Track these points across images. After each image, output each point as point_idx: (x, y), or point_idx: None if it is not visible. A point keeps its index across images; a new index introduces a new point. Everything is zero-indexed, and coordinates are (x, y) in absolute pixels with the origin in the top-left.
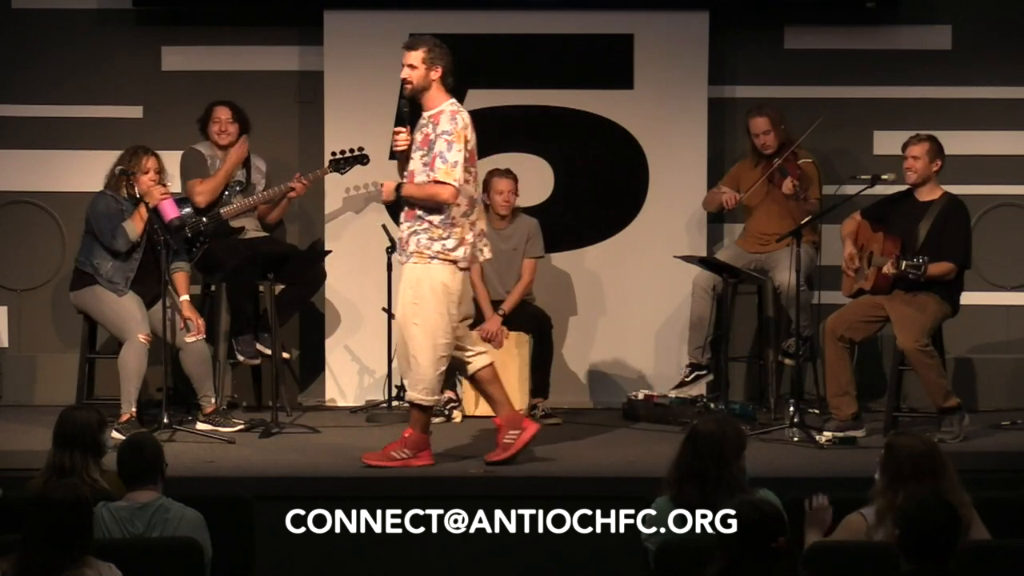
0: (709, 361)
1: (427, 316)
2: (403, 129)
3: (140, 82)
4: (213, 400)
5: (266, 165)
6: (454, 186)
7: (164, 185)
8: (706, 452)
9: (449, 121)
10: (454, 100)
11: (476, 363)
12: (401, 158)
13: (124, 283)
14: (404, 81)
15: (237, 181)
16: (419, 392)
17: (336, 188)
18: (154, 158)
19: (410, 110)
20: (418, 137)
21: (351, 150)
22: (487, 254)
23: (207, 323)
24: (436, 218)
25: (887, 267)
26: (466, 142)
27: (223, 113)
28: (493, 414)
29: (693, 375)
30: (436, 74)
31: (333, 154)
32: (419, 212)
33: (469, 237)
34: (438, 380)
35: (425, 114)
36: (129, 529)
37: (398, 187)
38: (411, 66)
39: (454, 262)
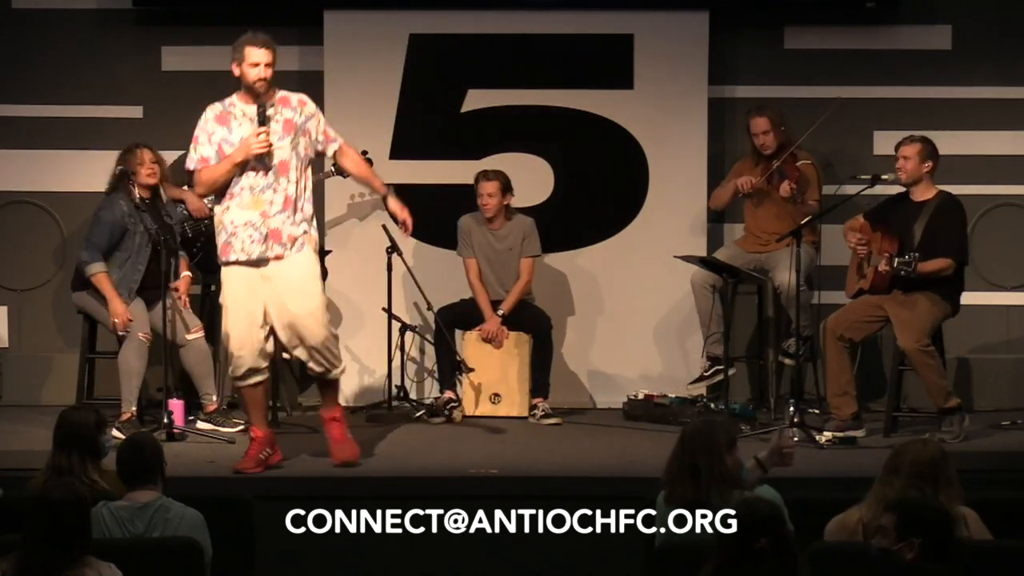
0: (723, 354)
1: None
2: (264, 130)
3: (140, 82)
4: (214, 399)
5: None
6: None
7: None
8: (697, 446)
9: (309, 100)
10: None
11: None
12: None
13: (127, 294)
14: (262, 80)
15: None
16: (340, 366)
17: (339, 191)
18: (148, 150)
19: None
20: (276, 128)
21: None
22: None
23: (207, 322)
24: (308, 204)
25: (881, 265)
26: None
27: None
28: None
29: (712, 369)
30: None
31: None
32: (299, 204)
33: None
34: None
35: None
36: (129, 529)
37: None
38: (268, 65)
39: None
